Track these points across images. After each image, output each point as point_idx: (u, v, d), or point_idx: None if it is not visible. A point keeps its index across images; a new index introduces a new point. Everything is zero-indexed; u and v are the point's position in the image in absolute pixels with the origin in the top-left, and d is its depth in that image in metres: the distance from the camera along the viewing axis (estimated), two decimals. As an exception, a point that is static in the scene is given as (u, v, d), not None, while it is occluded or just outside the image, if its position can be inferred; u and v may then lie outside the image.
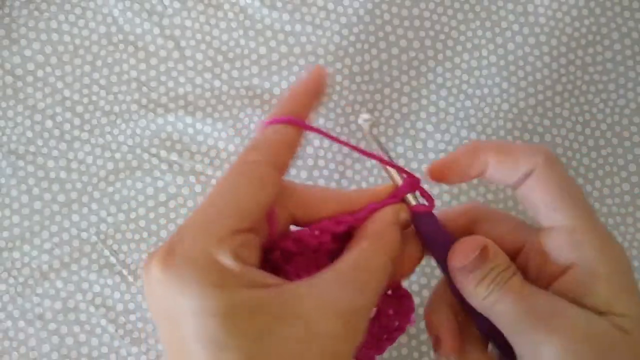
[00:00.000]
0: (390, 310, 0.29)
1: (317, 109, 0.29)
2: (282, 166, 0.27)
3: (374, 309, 0.29)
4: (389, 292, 0.29)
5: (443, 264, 0.28)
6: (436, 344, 0.29)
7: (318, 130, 0.28)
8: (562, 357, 0.25)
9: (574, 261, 0.27)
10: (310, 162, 0.48)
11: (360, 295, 0.24)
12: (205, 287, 0.22)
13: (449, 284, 0.28)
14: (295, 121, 0.28)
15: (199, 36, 0.49)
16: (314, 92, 0.29)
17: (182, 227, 0.25)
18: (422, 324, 0.46)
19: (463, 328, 0.29)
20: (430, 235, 0.29)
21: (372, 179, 0.48)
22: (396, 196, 0.29)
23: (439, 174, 0.29)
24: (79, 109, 0.48)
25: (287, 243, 0.27)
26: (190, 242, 0.24)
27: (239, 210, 0.25)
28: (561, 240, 0.27)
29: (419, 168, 0.48)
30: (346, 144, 0.29)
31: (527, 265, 0.28)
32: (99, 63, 0.49)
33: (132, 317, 0.46)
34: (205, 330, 0.22)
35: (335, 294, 0.23)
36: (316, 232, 0.27)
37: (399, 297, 0.30)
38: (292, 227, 0.29)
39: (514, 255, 0.29)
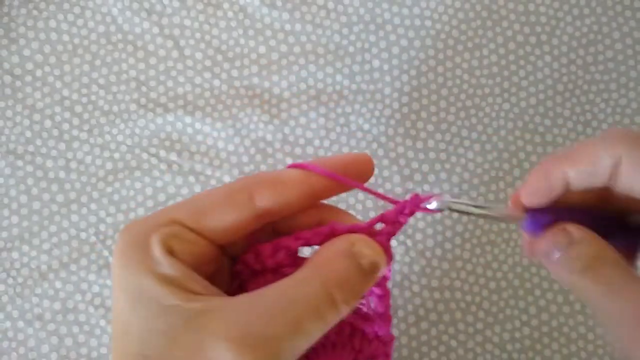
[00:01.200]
0: (370, 333, 0.26)
1: (347, 186, 0.27)
2: (260, 199, 0.24)
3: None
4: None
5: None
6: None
7: (329, 174, 0.26)
8: None
9: None
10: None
11: (266, 323, 0.21)
12: (130, 265, 0.23)
13: None
14: (307, 166, 0.25)
15: (198, 35, 0.49)
16: (354, 165, 0.27)
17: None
18: (423, 325, 0.46)
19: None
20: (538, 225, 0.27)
21: (372, 178, 0.48)
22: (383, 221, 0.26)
23: (520, 204, 0.28)
24: (78, 108, 0.48)
25: (248, 256, 0.25)
26: (140, 221, 0.24)
27: (186, 205, 0.24)
28: None
29: (420, 168, 0.48)
30: (364, 188, 0.27)
31: None
32: (97, 62, 0.49)
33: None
34: (120, 307, 0.23)
35: (237, 317, 0.21)
36: (269, 248, 0.25)
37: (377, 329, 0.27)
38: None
39: None
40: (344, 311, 0.22)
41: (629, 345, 0.24)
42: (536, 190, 0.27)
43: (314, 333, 0.22)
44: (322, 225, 0.25)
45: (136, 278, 0.23)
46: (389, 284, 0.26)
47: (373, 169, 0.27)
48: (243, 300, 0.22)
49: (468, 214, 0.27)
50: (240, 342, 0.20)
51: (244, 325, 0.21)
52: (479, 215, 0.27)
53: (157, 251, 0.23)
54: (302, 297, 0.22)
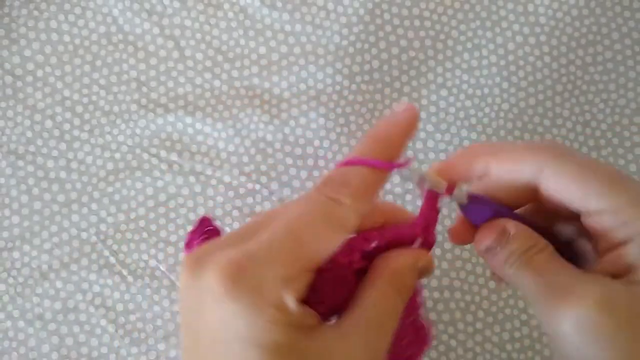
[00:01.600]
0: (405, 341, 0.29)
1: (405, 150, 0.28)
2: (364, 212, 0.26)
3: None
4: (409, 318, 0.30)
5: None
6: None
7: (400, 165, 0.27)
8: (575, 329, 0.25)
9: (625, 239, 0.26)
10: (311, 162, 0.48)
11: (383, 340, 0.25)
12: (261, 318, 0.22)
13: None
14: (389, 166, 0.27)
15: (198, 36, 0.49)
16: (406, 132, 0.28)
17: (253, 247, 0.24)
18: (422, 324, 0.46)
19: None
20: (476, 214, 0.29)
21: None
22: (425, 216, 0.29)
23: (441, 173, 0.30)
24: (79, 108, 0.48)
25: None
26: (263, 268, 0.23)
27: (313, 252, 0.24)
28: (607, 222, 0.26)
29: (419, 168, 0.48)
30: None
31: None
32: (98, 63, 0.49)
33: (132, 317, 0.46)
34: (243, 357, 0.22)
35: (360, 341, 0.24)
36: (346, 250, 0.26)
37: (416, 328, 0.30)
38: None
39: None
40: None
41: (544, 321, 0.26)
42: (456, 167, 0.29)
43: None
44: (385, 226, 0.28)
45: (273, 330, 0.23)
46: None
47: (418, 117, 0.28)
48: (352, 324, 0.25)
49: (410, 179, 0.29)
50: (370, 357, 0.24)
51: (367, 344, 0.24)
52: (416, 182, 0.29)
53: (293, 305, 0.23)
54: (393, 312, 0.26)
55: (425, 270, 0.28)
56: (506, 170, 0.28)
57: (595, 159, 0.26)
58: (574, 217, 0.28)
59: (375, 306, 0.25)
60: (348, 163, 0.26)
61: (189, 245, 0.29)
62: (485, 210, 0.29)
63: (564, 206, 0.27)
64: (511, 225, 0.28)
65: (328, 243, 0.25)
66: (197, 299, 0.24)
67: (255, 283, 0.23)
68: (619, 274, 0.26)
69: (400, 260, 0.27)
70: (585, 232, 0.28)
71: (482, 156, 0.28)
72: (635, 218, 0.26)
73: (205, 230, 0.29)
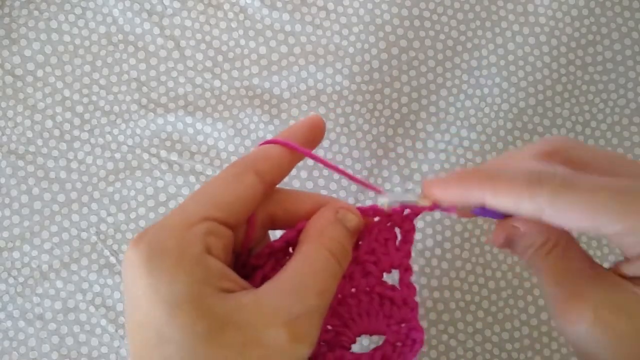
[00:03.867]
0: (399, 342, 0.30)
1: (311, 146, 0.30)
2: (264, 174, 0.27)
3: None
4: (402, 324, 0.30)
5: None
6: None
7: (307, 153, 0.30)
8: (592, 327, 0.25)
9: None
10: (311, 162, 0.48)
11: (303, 301, 0.24)
12: (163, 275, 0.23)
13: None
14: (284, 142, 0.29)
15: (199, 36, 0.49)
16: (310, 130, 0.30)
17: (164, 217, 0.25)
18: (422, 324, 0.46)
19: None
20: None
21: (372, 179, 0.48)
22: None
23: (432, 195, 0.29)
24: (79, 108, 0.48)
25: (265, 249, 0.28)
26: (161, 226, 0.24)
27: (210, 200, 0.25)
28: (625, 241, 0.26)
29: (419, 168, 0.48)
30: (334, 167, 0.31)
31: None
32: (98, 63, 0.49)
33: (132, 317, 0.46)
34: (150, 317, 0.23)
35: (277, 303, 0.24)
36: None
37: (410, 330, 0.30)
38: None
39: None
40: (345, 267, 0.27)
41: (560, 322, 0.26)
42: (450, 192, 0.28)
43: (334, 291, 0.26)
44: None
45: (173, 284, 0.23)
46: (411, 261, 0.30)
47: (325, 129, 0.31)
48: (273, 287, 0.24)
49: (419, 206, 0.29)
50: (289, 322, 0.23)
51: (287, 308, 0.24)
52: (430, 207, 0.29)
53: (197, 252, 0.23)
54: (319, 267, 0.25)
55: (353, 223, 0.28)
56: (503, 205, 0.26)
57: (602, 178, 0.25)
58: None
59: (299, 270, 0.25)
60: (262, 144, 0.29)
61: None
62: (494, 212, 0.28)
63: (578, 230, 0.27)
64: (521, 223, 0.28)
65: (224, 190, 0.26)
66: (124, 274, 0.25)
67: (152, 239, 0.23)
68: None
69: (319, 217, 0.28)
70: None
71: (478, 185, 0.27)
72: None
73: None
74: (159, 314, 0.22)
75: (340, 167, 0.48)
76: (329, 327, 0.29)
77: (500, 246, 0.29)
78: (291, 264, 0.26)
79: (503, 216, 0.29)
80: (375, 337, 0.31)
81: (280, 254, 0.29)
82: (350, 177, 0.31)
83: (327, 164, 0.31)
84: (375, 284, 0.29)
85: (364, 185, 0.32)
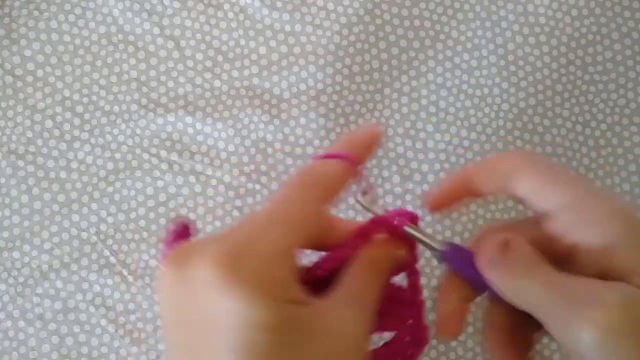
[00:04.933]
0: (407, 338, 0.32)
1: (368, 159, 0.32)
2: (327, 194, 0.29)
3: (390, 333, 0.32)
4: (410, 320, 0.32)
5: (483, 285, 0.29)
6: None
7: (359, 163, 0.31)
8: (601, 337, 0.24)
9: (580, 240, 0.27)
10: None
11: (367, 310, 0.27)
12: (260, 300, 0.23)
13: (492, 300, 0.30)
14: (345, 156, 0.30)
15: (199, 36, 0.49)
16: (369, 142, 0.32)
17: (240, 235, 0.25)
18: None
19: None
20: (462, 268, 0.30)
21: (372, 179, 0.48)
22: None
23: (435, 207, 0.32)
24: (79, 109, 0.48)
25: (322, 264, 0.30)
26: (254, 252, 0.24)
27: (297, 227, 0.26)
28: (561, 223, 0.27)
29: (419, 168, 0.48)
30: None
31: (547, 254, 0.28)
32: (99, 63, 0.49)
33: (132, 317, 0.46)
34: (246, 341, 0.23)
35: (348, 312, 0.26)
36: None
37: (418, 328, 0.32)
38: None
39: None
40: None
41: (562, 334, 0.26)
42: (447, 196, 0.32)
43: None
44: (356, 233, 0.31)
45: (279, 310, 0.23)
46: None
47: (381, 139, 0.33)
48: (338, 297, 0.27)
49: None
50: (357, 329, 0.26)
51: (355, 316, 0.27)
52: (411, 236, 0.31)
53: (288, 280, 0.25)
54: (370, 287, 0.28)
55: (403, 258, 0.31)
56: (490, 185, 0.30)
57: (560, 165, 0.30)
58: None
59: (358, 282, 0.28)
60: (324, 157, 0.30)
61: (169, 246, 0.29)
62: (467, 257, 0.30)
63: (534, 207, 0.29)
64: (511, 237, 0.28)
65: (308, 216, 0.27)
66: (188, 293, 0.24)
67: (247, 266, 0.24)
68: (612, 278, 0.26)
69: (377, 248, 0.30)
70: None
71: (465, 179, 0.31)
72: (585, 217, 0.27)
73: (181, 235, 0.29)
74: (256, 336, 0.23)
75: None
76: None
77: (485, 267, 0.29)
78: (349, 280, 0.28)
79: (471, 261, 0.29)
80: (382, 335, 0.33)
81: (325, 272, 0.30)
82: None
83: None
84: (386, 287, 0.31)
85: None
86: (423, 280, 0.47)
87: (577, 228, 0.27)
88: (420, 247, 0.31)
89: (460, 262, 0.30)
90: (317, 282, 0.29)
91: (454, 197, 0.32)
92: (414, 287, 0.32)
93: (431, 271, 0.47)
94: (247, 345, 0.23)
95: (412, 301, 0.32)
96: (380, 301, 0.30)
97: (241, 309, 0.23)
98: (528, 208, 0.29)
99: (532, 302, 0.26)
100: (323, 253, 0.31)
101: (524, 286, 0.27)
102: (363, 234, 0.30)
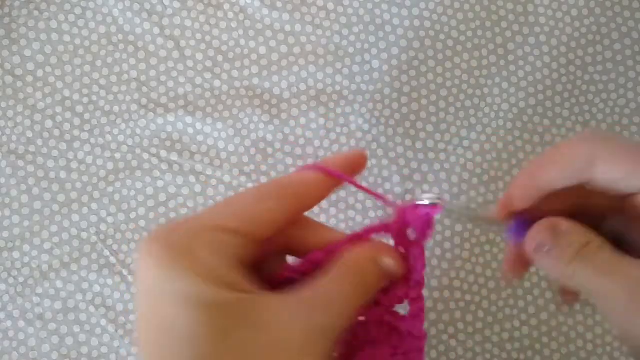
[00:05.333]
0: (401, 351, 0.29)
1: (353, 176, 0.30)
2: (295, 197, 0.27)
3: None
4: (407, 355, 0.29)
5: None
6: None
7: (347, 179, 0.29)
8: None
9: None
10: (311, 162, 0.48)
11: (325, 315, 0.25)
12: (190, 277, 0.23)
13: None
14: (323, 168, 0.29)
15: (199, 36, 0.49)
16: (353, 161, 0.30)
17: (188, 217, 0.26)
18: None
19: None
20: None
21: (371, 178, 0.48)
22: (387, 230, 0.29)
23: (507, 207, 0.30)
24: (79, 109, 0.48)
25: (299, 264, 0.28)
26: (178, 228, 0.24)
27: (230, 210, 0.26)
28: None
29: (419, 168, 0.48)
30: (369, 191, 0.31)
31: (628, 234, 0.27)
32: (98, 63, 0.49)
33: (132, 317, 0.46)
34: (168, 316, 0.23)
35: (302, 312, 0.24)
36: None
37: (412, 340, 0.29)
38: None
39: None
40: (365, 301, 0.27)
41: (624, 320, 0.25)
42: (524, 192, 0.28)
43: (351, 319, 0.26)
44: (343, 239, 0.29)
45: (186, 281, 0.23)
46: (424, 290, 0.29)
47: (366, 164, 0.31)
48: (299, 296, 0.25)
49: (459, 216, 0.29)
50: (305, 332, 0.24)
51: (307, 318, 0.24)
52: (470, 219, 0.29)
53: (207, 256, 0.24)
54: (346, 292, 0.26)
55: (391, 268, 0.28)
56: (566, 173, 0.27)
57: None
58: (620, 208, 0.27)
59: (326, 287, 0.26)
60: (307, 168, 0.29)
61: None
62: (526, 224, 0.28)
63: (616, 190, 0.26)
64: (562, 222, 0.27)
65: (246, 205, 0.26)
66: (139, 268, 0.25)
67: (183, 243, 0.24)
68: None
69: (359, 251, 0.28)
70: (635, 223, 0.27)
71: (540, 170, 0.28)
72: None
73: None
74: (169, 310, 0.23)
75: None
76: (335, 354, 0.29)
77: (534, 252, 0.28)
78: (320, 281, 0.26)
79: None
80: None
81: (298, 275, 0.29)
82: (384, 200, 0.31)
83: (367, 191, 0.31)
84: (384, 313, 0.29)
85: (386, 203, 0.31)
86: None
87: None
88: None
89: (521, 235, 0.28)
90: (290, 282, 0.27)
91: (525, 197, 0.29)
92: (416, 316, 0.29)
93: (431, 271, 0.47)
94: (164, 317, 0.23)
95: (411, 333, 0.29)
96: (377, 328, 0.28)
97: (170, 283, 0.23)
98: (605, 192, 0.27)
99: (587, 287, 0.26)
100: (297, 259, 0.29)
101: (578, 274, 0.26)
102: (348, 240, 0.28)
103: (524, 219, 0.29)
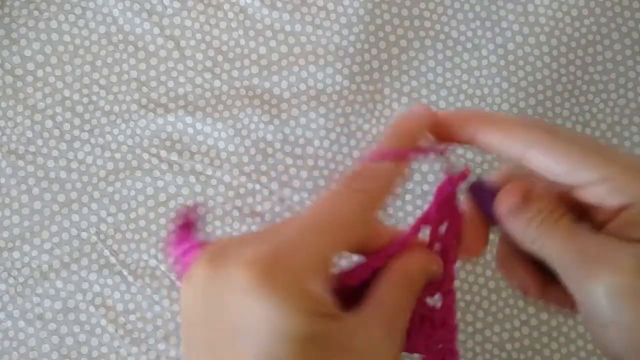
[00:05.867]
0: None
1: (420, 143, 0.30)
2: (376, 199, 0.27)
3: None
4: (440, 345, 0.30)
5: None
6: (524, 292, 0.30)
7: (423, 150, 0.30)
8: (611, 295, 0.25)
9: (621, 204, 0.26)
10: (311, 162, 0.48)
11: (397, 330, 0.26)
12: (293, 310, 0.22)
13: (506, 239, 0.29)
14: (404, 155, 0.28)
15: (199, 36, 0.49)
16: (417, 127, 0.30)
17: (279, 240, 0.24)
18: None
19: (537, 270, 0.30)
20: (484, 203, 0.30)
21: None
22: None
23: (432, 128, 0.30)
24: (79, 109, 0.48)
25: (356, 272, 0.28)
26: (292, 259, 0.23)
27: (341, 235, 0.25)
28: (600, 191, 0.26)
29: (419, 168, 0.48)
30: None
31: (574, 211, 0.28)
32: (99, 63, 0.49)
33: (132, 317, 0.46)
34: (271, 350, 0.22)
35: (381, 328, 0.25)
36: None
37: (448, 352, 0.30)
38: None
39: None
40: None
41: (575, 288, 0.26)
42: (446, 126, 0.30)
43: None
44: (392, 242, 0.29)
45: (299, 319, 0.23)
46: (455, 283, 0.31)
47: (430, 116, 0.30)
48: (369, 313, 0.26)
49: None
50: (386, 347, 0.25)
51: (384, 335, 0.25)
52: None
53: (321, 293, 0.24)
54: (402, 305, 0.27)
55: (436, 275, 0.29)
56: (494, 143, 0.28)
57: (582, 134, 0.27)
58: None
59: (389, 300, 0.26)
60: (373, 157, 0.28)
61: (180, 241, 0.28)
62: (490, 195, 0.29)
63: (554, 182, 0.27)
64: (535, 187, 0.28)
65: (352, 225, 0.26)
66: (219, 294, 0.23)
67: (285, 275, 0.23)
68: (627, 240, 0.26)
69: (411, 261, 0.28)
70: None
71: (471, 122, 0.29)
72: (627, 184, 0.26)
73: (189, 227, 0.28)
74: (285, 348, 0.22)
75: (341, 167, 0.48)
76: None
77: (505, 214, 0.28)
78: (380, 294, 0.27)
79: (492, 198, 0.29)
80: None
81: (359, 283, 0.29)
82: None
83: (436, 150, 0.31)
84: (418, 307, 0.29)
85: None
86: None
87: (616, 198, 0.26)
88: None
89: (481, 198, 0.29)
90: (346, 289, 0.27)
91: (449, 129, 0.30)
92: (448, 308, 0.30)
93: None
94: (272, 355, 0.22)
95: (444, 324, 0.30)
96: (410, 319, 0.29)
97: (272, 318, 0.22)
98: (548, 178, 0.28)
99: (548, 254, 0.27)
100: (356, 258, 0.29)
101: (542, 238, 0.27)
102: (400, 242, 0.28)
103: (486, 184, 0.30)
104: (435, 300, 0.30)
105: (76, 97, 0.48)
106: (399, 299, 0.27)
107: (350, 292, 0.27)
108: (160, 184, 0.48)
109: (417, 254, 0.29)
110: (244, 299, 0.23)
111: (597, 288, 0.25)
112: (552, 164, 0.27)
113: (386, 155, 0.28)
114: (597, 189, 0.26)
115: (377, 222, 0.30)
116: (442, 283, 0.30)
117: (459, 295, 0.47)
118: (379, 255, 0.28)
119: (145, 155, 0.48)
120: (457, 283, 0.47)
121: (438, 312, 0.30)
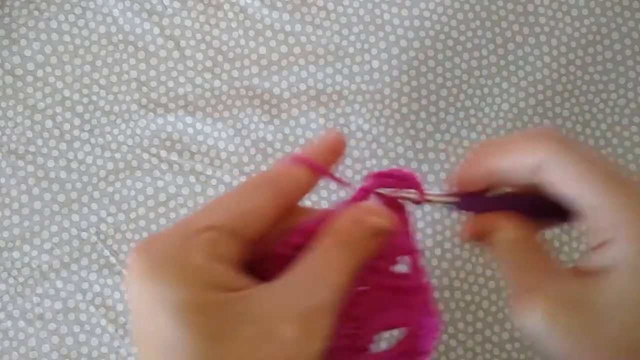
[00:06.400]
0: (420, 331, 0.29)
1: (333, 165, 0.30)
2: (283, 190, 0.27)
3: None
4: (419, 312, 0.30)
5: None
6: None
7: (330, 175, 0.29)
8: (543, 320, 0.26)
9: (609, 239, 0.26)
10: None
11: (317, 294, 0.24)
12: (177, 284, 0.22)
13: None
14: (307, 160, 0.28)
15: (199, 36, 0.49)
16: (332, 149, 0.30)
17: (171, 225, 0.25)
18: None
19: None
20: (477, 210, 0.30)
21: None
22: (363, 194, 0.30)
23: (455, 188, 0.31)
24: (79, 109, 0.48)
25: (286, 242, 0.27)
26: (163, 235, 0.24)
27: (219, 209, 0.25)
28: (598, 220, 0.26)
29: (419, 168, 0.48)
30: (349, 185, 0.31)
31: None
32: (99, 63, 0.49)
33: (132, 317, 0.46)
34: (155, 327, 0.22)
35: (290, 296, 0.24)
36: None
37: (426, 313, 0.29)
38: None
39: None
40: (361, 264, 0.26)
41: (514, 311, 0.27)
42: (467, 179, 0.30)
43: (348, 287, 0.25)
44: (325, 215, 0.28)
45: (180, 291, 0.22)
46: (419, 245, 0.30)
47: (345, 147, 0.30)
48: (287, 281, 0.24)
49: (407, 198, 0.30)
50: (302, 316, 0.23)
51: (300, 302, 0.24)
52: (418, 200, 0.30)
53: (199, 259, 0.23)
54: (334, 261, 0.25)
55: (379, 224, 0.27)
56: (511, 175, 0.28)
57: (598, 153, 0.27)
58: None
59: (313, 262, 0.25)
60: (290, 161, 0.28)
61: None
62: (474, 202, 0.30)
63: (561, 196, 0.27)
64: (499, 217, 0.29)
65: (233, 201, 0.26)
66: (130, 288, 0.24)
67: (157, 250, 0.23)
68: (596, 272, 0.26)
69: (343, 215, 0.27)
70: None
71: (484, 163, 0.29)
72: (623, 221, 0.25)
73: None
74: (165, 322, 0.22)
75: (340, 167, 0.48)
76: (345, 330, 0.28)
77: (470, 237, 0.30)
78: (306, 258, 0.25)
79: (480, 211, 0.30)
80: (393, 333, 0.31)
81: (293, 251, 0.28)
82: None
83: (344, 183, 0.30)
84: (383, 277, 0.29)
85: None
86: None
87: (609, 231, 0.26)
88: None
89: (474, 207, 0.30)
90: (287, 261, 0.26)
91: (468, 184, 0.30)
92: (416, 268, 0.29)
93: (431, 271, 0.47)
94: (154, 330, 0.22)
95: (417, 287, 0.29)
96: (374, 293, 0.28)
97: (158, 295, 0.22)
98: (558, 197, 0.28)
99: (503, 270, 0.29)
100: None
101: (497, 259, 0.29)
102: (344, 205, 0.28)
103: (470, 197, 0.30)
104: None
105: (76, 97, 0.48)
106: (331, 260, 0.25)
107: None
108: (160, 184, 0.48)
109: (352, 208, 0.27)
110: (134, 283, 0.23)
111: (526, 316, 0.26)
112: (561, 182, 0.27)
113: (305, 162, 0.28)
114: (597, 215, 0.26)
115: (313, 210, 0.29)
116: (402, 246, 0.29)
117: (458, 295, 0.47)
118: (309, 221, 0.27)
119: (145, 155, 0.48)
120: (457, 283, 0.47)
121: (408, 278, 0.29)
